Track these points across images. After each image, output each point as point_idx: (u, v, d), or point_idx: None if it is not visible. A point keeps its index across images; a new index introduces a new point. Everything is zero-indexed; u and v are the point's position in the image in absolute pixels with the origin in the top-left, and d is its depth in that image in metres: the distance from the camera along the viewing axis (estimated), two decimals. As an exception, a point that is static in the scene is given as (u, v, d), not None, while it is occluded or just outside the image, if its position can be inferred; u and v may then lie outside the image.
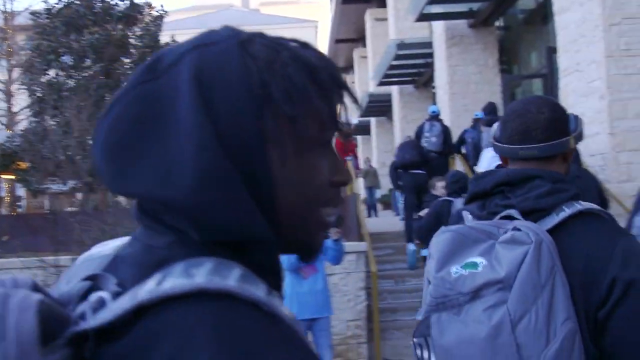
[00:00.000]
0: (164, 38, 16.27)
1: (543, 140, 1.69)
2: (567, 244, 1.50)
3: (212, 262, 0.67)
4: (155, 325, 0.63)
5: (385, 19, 24.10)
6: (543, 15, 12.44)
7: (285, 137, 0.75)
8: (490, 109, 10.94)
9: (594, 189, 4.96)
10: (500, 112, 13.25)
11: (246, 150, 0.72)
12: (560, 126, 1.73)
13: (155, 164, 0.70)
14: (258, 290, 0.67)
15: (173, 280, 0.65)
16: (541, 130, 1.70)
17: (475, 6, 14.43)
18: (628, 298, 1.42)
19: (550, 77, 10.94)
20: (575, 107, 9.00)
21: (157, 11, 14.09)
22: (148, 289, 0.65)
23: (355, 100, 0.85)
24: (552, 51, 10.17)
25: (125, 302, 0.64)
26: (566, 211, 1.56)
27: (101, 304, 0.66)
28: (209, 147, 0.69)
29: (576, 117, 1.84)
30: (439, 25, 15.84)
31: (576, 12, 8.83)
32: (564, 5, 9.22)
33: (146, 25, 14.13)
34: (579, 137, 1.79)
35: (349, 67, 36.39)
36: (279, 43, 0.78)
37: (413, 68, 20.00)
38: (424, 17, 14.93)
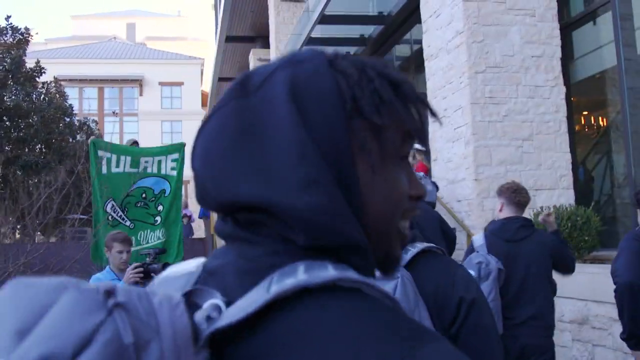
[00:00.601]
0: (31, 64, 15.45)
1: None
2: (417, 276, 1.83)
3: (330, 263, 0.72)
4: (295, 320, 0.66)
5: (268, 60, 24.02)
6: (417, 62, 12.63)
7: (373, 149, 0.79)
8: None
9: (435, 221, 5.30)
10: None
11: (339, 161, 0.76)
12: None
13: (261, 171, 0.74)
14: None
15: (301, 276, 0.69)
16: None
17: (352, 50, 14.51)
18: (472, 313, 1.75)
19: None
20: (442, 152, 9.03)
21: (20, 34, 13.30)
22: (288, 281, 0.68)
23: (433, 114, 0.88)
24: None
25: (252, 302, 0.66)
26: (412, 251, 1.94)
27: (217, 310, 0.67)
28: (310, 156, 0.74)
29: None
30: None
31: (443, 59, 8.91)
32: (432, 53, 9.30)
33: (7, 49, 13.33)
34: None
35: (233, 106, 36.11)
36: (362, 61, 0.82)
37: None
38: (312, 42, 14.87)
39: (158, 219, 8.18)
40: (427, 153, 9.95)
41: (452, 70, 8.65)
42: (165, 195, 8.22)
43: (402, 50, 14.83)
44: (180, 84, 45.50)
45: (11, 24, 13.32)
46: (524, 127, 8.41)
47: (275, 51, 21.61)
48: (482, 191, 8.22)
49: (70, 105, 20.02)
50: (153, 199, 8.14)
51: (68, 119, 19.46)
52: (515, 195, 4.30)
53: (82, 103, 44.44)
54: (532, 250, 4.11)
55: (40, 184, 9.84)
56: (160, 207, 8.16)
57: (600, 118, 9.75)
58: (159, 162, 8.19)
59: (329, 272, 0.70)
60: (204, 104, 44.49)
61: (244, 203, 0.76)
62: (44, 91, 15.80)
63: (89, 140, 8.34)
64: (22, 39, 13.49)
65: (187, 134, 44.61)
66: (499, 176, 8.26)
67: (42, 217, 9.12)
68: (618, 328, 4.90)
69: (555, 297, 4.76)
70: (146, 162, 8.12)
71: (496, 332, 1.82)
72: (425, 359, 0.63)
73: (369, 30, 13.54)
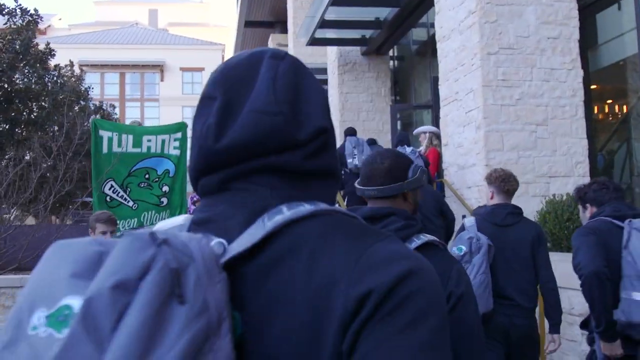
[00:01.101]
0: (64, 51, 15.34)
1: (380, 184, 2.26)
2: None
3: (305, 202, 0.95)
4: (291, 238, 0.89)
5: (286, 45, 23.75)
6: (433, 46, 12.27)
7: None
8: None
9: (431, 202, 6.17)
10: (387, 142, 12.99)
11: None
12: (397, 174, 2.27)
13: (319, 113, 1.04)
14: None
15: (297, 209, 0.93)
16: (379, 176, 2.27)
17: (367, 33, 14.19)
18: (457, 307, 1.86)
19: (435, 107, 10.68)
20: (453, 136, 8.72)
21: (30, 16, 13.14)
22: (277, 218, 0.91)
23: None
24: (437, 81, 9.90)
25: (258, 232, 0.89)
26: (416, 242, 2.06)
27: (221, 246, 0.87)
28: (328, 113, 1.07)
29: (416, 168, 2.30)
30: (332, 51, 15.54)
31: (455, 40, 8.57)
32: (444, 34, 8.97)
33: (17, 30, 13.19)
34: (414, 183, 2.27)
35: (253, 92, 35.91)
36: None
37: (310, 94, 19.61)
38: (316, 42, 14.57)
39: (164, 200, 7.95)
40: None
41: (464, 51, 8.32)
42: (170, 175, 7.99)
43: (418, 34, 14.48)
44: (201, 69, 45.43)
45: (20, 5, 13.11)
46: (538, 111, 8.06)
47: (293, 36, 21.33)
48: (492, 177, 7.90)
49: (86, 88, 19.85)
50: (157, 179, 7.91)
51: (84, 102, 19.31)
52: (505, 184, 4.49)
53: (104, 88, 44.63)
54: (519, 236, 4.29)
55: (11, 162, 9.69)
56: (165, 188, 7.93)
57: (619, 104, 9.36)
58: (163, 141, 7.95)
59: (305, 207, 0.93)
60: (224, 90, 44.35)
61: (317, 131, 1.00)
62: (57, 74, 15.57)
63: (90, 120, 8.12)
64: (31, 20, 13.28)
65: (208, 119, 44.58)
66: (510, 162, 7.93)
67: (16, 196, 8.94)
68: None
69: (564, 288, 4.48)
70: (149, 141, 7.88)
71: (479, 327, 1.87)
72: (380, 248, 0.89)
73: (384, 12, 13.19)
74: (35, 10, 13.40)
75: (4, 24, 13.18)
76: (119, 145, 7.76)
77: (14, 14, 12.99)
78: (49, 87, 15.51)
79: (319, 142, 1.00)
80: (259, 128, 0.95)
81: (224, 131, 0.97)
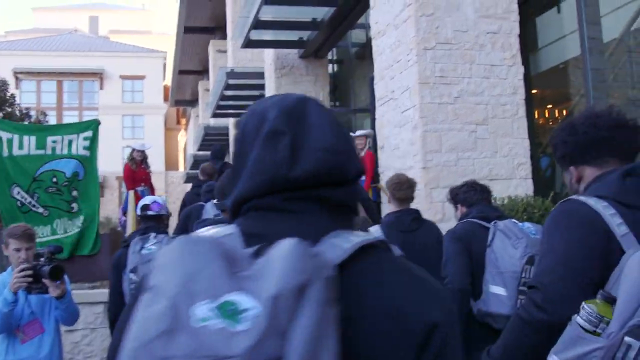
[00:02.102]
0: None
1: None
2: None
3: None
4: (369, 263, 1.06)
5: (225, 51, 23.12)
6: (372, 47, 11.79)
7: None
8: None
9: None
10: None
11: None
12: None
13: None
14: None
15: (358, 236, 1.08)
16: None
17: (305, 35, 13.61)
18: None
19: (373, 109, 10.15)
20: (389, 138, 8.19)
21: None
22: (353, 239, 1.06)
23: None
24: (373, 81, 9.39)
25: (338, 250, 1.02)
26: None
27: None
28: None
29: None
30: (269, 54, 14.95)
31: (391, 36, 8.06)
32: (380, 29, 8.44)
33: None
34: None
35: (195, 100, 35.11)
36: None
37: (248, 100, 19.02)
38: (251, 44, 13.94)
39: (74, 205, 7.22)
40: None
41: (400, 47, 7.80)
42: (79, 178, 7.25)
43: (357, 35, 14.02)
44: (142, 77, 44.37)
45: None
46: (478, 109, 7.58)
47: (232, 41, 20.70)
48: (430, 180, 7.37)
49: (12, 95, 18.86)
50: (66, 183, 7.18)
51: (9, 109, 18.33)
52: (397, 191, 4.78)
53: (41, 96, 43.20)
54: (424, 240, 4.58)
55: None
56: (75, 193, 7.20)
57: (561, 106, 8.98)
58: (70, 142, 7.22)
59: (367, 236, 1.09)
60: (166, 98, 43.38)
61: (359, 171, 1.20)
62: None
63: None
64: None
65: (149, 128, 43.54)
66: (449, 164, 7.43)
67: None
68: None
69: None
70: (54, 141, 7.15)
71: None
72: (437, 282, 1.16)
73: (321, 13, 12.63)
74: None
75: None
76: (20, 147, 7.02)
77: None
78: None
79: (357, 181, 1.22)
80: (326, 164, 1.13)
81: (296, 163, 1.11)
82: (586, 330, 1.80)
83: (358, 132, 9.23)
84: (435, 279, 3.50)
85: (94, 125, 7.42)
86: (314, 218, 1.11)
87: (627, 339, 1.71)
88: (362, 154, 8.77)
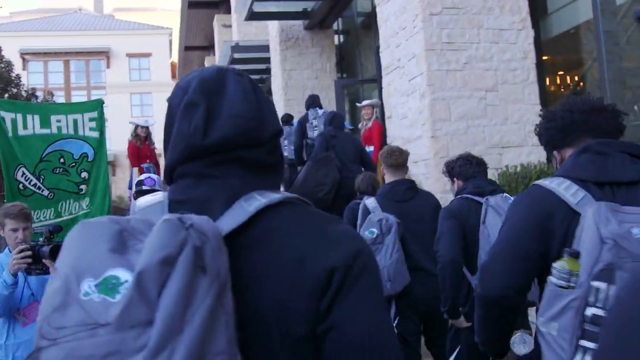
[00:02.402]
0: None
1: None
2: None
3: (270, 191, 1.24)
4: (268, 221, 1.18)
5: (230, 26, 22.87)
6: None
7: None
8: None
9: (351, 149, 6.74)
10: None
11: None
12: None
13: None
14: None
15: (268, 196, 1.20)
16: None
17: (309, 5, 13.37)
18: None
19: (379, 79, 9.96)
20: (397, 107, 8.01)
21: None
22: (256, 203, 1.18)
23: None
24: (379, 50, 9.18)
25: (241, 213, 1.17)
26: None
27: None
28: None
29: None
30: (273, 27, 14.72)
31: (395, 2, 7.84)
32: (385, -5, 8.22)
33: None
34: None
35: (202, 76, 34.88)
36: None
37: (255, 74, 18.81)
38: (255, 16, 13.74)
39: (83, 187, 7.06)
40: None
41: (405, 13, 7.59)
42: (89, 160, 7.08)
43: (362, 4, 13.76)
44: (148, 55, 44.14)
45: None
46: (487, 76, 7.38)
47: (236, 15, 20.44)
48: (440, 150, 7.20)
49: (17, 75, 18.72)
50: (73, 164, 6.99)
51: (15, 90, 18.21)
52: (388, 158, 4.79)
53: (48, 76, 43.11)
54: (419, 209, 4.59)
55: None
56: (84, 175, 7.03)
57: (574, 67, 8.74)
58: (75, 121, 7.01)
59: (275, 195, 1.21)
60: (173, 75, 43.20)
61: (275, 132, 1.32)
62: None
63: None
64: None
65: (157, 106, 43.35)
66: (459, 132, 7.25)
67: None
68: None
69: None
70: (58, 121, 6.95)
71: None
72: (340, 229, 1.22)
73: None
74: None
75: None
76: (25, 127, 6.84)
77: None
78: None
79: (275, 141, 1.33)
80: (238, 129, 1.25)
81: (209, 131, 1.25)
82: (561, 287, 1.95)
83: (364, 102, 9.05)
84: (431, 248, 3.96)
85: (99, 104, 7.23)
86: (234, 181, 1.24)
87: (594, 283, 1.88)
88: (370, 124, 8.59)
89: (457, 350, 4.14)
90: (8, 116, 6.79)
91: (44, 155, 6.88)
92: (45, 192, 6.87)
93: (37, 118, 6.88)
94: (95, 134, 7.10)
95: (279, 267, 1.14)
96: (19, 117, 6.83)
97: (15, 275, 3.71)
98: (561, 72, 9.21)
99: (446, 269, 3.81)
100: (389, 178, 4.82)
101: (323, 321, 1.12)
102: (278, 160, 1.34)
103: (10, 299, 3.80)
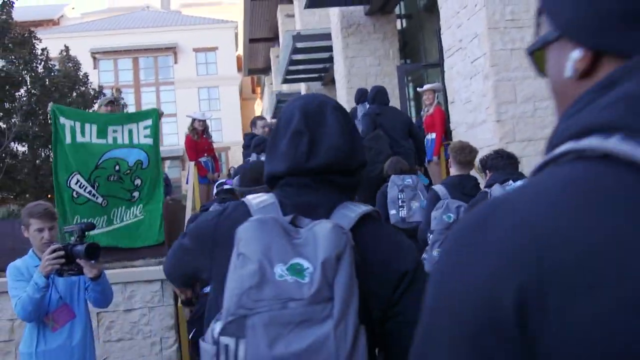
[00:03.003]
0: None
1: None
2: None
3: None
4: (364, 228, 1.56)
5: (293, 15, 22.71)
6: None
7: None
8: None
9: (399, 124, 6.81)
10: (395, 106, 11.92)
11: None
12: None
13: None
14: None
15: (360, 207, 1.61)
16: None
17: (366, -7, 13.04)
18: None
19: (442, 63, 9.58)
20: (460, 92, 7.65)
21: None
22: (356, 211, 1.58)
23: None
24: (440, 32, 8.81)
25: (346, 219, 1.55)
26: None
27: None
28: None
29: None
30: (334, 14, 14.44)
31: (456, -21, 7.45)
32: (445, -27, 7.84)
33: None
34: None
35: (268, 68, 34.92)
36: None
37: (318, 63, 18.62)
38: (314, 4, 13.48)
39: (136, 194, 7.04)
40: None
41: (466, -9, 7.21)
42: (143, 167, 7.06)
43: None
44: (214, 49, 44.49)
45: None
46: (555, 54, 6.95)
47: (297, 3, 20.27)
48: (505, 134, 6.81)
49: (85, 73, 19.02)
50: (128, 171, 6.99)
51: (83, 88, 18.50)
52: (458, 154, 5.00)
53: (118, 74, 44.01)
54: None
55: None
56: (138, 182, 7.01)
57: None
58: (130, 131, 7.03)
59: (365, 207, 1.61)
60: (239, 68, 43.40)
61: (362, 164, 1.70)
62: (44, 59, 14.72)
63: (49, 106, 7.17)
64: (6, 1, 12.33)
65: (225, 99, 43.77)
66: (526, 115, 6.84)
67: None
68: None
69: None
70: (114, 131, 6.97)
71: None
72: (407, 241, 1.71)
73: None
74: (8, -10, 12.46)
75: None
76: (82, 134, 6.85)
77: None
78: (41, 74, 14.70)
79: (361, 170, 1.71)
80: (334, 158, 1.62)
81: (312, 156, 1.61)
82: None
83: (425, 87, 8.69)
84: None
85: (154, 113, 7.21)
86: (328, 193, 1.63)
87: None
88: (431, 109, 8.22)
89: None
90: (67, 123, 6.81)
91: (99, 162, 6.87)
92: (99, 200, 6.85)
93: (94, 127, 6.90)
94: (149, 141, 7.07)
95: (371, 264, 1.52)
96: (78, 125, 6.84)
97: (47, 277, 3.56)
98: None
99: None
100: (455, 172, 5.06)
101: (393, 307, 1.53)
102: (357, 185, 1.72)
103: (42, 303, 3.66)
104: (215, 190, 5.69)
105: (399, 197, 5.90)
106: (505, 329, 0.62)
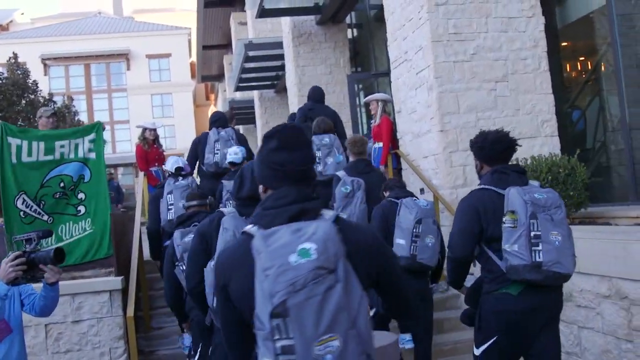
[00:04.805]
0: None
1: None
2: None
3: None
4: (346, 228, 2.05)
5: (246, 23, 22.73)
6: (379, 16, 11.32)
7: None
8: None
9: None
10: (347, 116, 12.05)
11: None
12: None
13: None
14: None
15: (330, 213, 2.09)
16: None
17: (320, 0, 13.19)
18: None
19: (389, 72, 9.77)
20: (406, 102, 7.83)
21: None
22: (331, 215, 2.06)
23: None
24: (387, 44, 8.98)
25: (327, 219, 2.05)
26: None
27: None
28: None
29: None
30: (286, 23, 14.56)
31: (402, -8, 7.64)
32: (391, -13, 8.03)
33: None
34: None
35: (221, 75, 34.83)
36: None
37: (270, 71, 18.71)
38: (266, 13, 13.59)
39: (81, 208, 7.07)
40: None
41: (411, 4, 7.40)
42: (85, 181, 7.09)
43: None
44: (168, 55, 44.20)
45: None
46: (496, 66, 7.17)
47: (250, 12, 20.31)
48: (449, 144, 7.02)
49: (34, 81, 18.79)
50: (72, 187, 7.03)
51: (33, 96, 18.27)
52: (352, 147, 6.36)
53: (69, 81, 43.40)
54: (374, 181, 6.12)
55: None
56: (81, 195, 7.04)
57: (586, 52, 8.47)
58: (76, 145, 7.08)
59: (335, 211, 2.13)
60: (193, 75, 43.17)
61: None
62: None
63: None
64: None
65: (178, 106, 43.48)
66: (468, 125, 7.06)
67: None
68: (608, 306, 4.53)
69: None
70: (62, 146, 7.01)
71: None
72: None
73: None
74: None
75: None
76: (29, 154, 6.87)
77: None
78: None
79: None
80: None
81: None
82: (512, 227, 3.46)
83: (369, 97, 8.85)
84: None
85: (98, 127, 7.27)
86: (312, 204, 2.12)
87: (531, 221, 3.46)
88: (378, 120, 8.38)
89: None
90: (14, 142, 6.81)
91: (45, 181, 6.88)
92: (45, 217, 6.86)
93: (42, 145, 6.92)
94: (92, 155, 7.12)
95: (357, 244, 2.04)
96: (25, 144, 6.85)
97: (8, 284, 3.52)
98: (582, 58, 8.92)
99: (458, 266, 3.90)
100: (352, 159, 6.39)
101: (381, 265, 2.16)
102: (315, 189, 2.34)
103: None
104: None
105: (317, 155, 6.89)
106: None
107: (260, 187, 2.20)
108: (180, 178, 6.77)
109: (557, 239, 3.45)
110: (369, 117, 12.51)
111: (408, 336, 5.11)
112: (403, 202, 5.19)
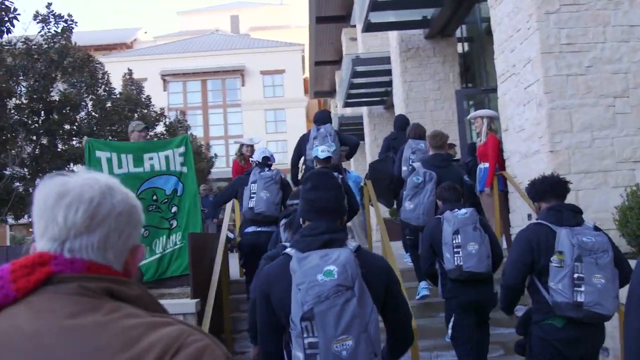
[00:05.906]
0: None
1: None
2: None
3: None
4: (363, 255, 2.67)
5: (356, 39, 22.54)
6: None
7: None
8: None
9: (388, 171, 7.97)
10: (454, 131, 11.52)
11: None
12: None
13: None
14: None
15: (354, 243, 2.73)
16: None
17: (429, 13, 12.71)
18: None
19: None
20: (513, 119, 7.24)
21: (64, 22, 12.39)
22: (353, 245, 2.68)
23: None
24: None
25: (350, 249, 2.66)
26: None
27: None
28: None
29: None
30: (393, 37, 14.18)
31: (509, 3, 7.08)
32: (498, -5, 7.48)
33: (52, 36, 12.51)
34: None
35: (333, 91, 34.82)
36: None
37: (379, 87, 18.35)
38: (372, 27, 13.24)
39: (174, 222, 6.98)
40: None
41: (519, 14, 6.83)
42: (178, 194, 7.00)
43: (486, 9, 12.90)
44: (281, 71, 44.76)
45: (53, 11, 12.31)
46: (615, 80, 6.48)
47: (360, 28, 20.07)
48: (559, 166, 6.37)
49: (147, 96, 19.24)
50: (165, 200, 6.96)
51: (145, 111, 18.69)
52: (432, 140, 6.60)
53: (187, 96, 44.79)
54: (451, 175, 6.23)
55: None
56: (174, 209, 6.95)
57: None
58: (167, 157, 7.02)
59: (356, 243, 2.76)
60: (306, 91, 43.47)
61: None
62: (104, 82, 14.91)
63: (84, 140, 7.17)
64: (66, 26, 12.49)
65: (291, 121, 43.91)
66: (582, 146, 6.40)
67: None
68: None
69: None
70: (151, 159, 6.96)
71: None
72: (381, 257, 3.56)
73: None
74: (69, 15, 12.60)
75: (38, 32, 12.49)
76: (120, 166, 6.83)
77: (47, 20, 12.25)
78: (101, 96, 14.90)
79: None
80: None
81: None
82: (558, 267, 3.77)
83: (472, 114, 8.28)
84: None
85: (186, 140, 7.18)
86: (339, 235, 2.70)
87: (576, 263, 3.74)
88: (484, 138, 7.78)
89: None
90: (104, 156, 6.78)
91: (138, 193, 6.80)
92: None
93: (130, 157, 6.87)
94: (185, 169, 7.04)
95: (370, 270, 2.56)
96: (114, 156, 6.81)
97: None
98: None
99: (508, 293, 4.25)
100: (431, 152, 6.61)
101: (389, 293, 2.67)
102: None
103: None
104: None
105: (410, 158, 7.41)
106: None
107: (300, 219, 2.84)
108: (267, 169, 7.10)
109: (600, 281, 3.79)
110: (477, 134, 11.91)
111: None
112: (444, 217, 5.31)
